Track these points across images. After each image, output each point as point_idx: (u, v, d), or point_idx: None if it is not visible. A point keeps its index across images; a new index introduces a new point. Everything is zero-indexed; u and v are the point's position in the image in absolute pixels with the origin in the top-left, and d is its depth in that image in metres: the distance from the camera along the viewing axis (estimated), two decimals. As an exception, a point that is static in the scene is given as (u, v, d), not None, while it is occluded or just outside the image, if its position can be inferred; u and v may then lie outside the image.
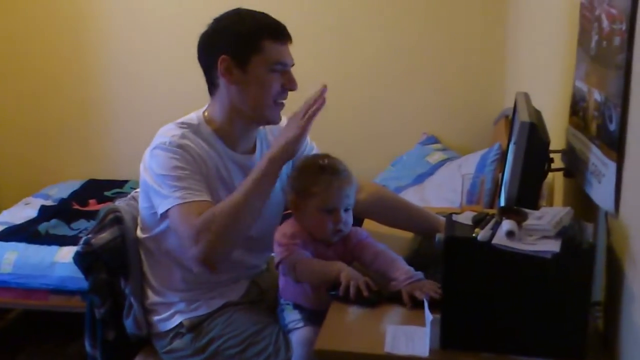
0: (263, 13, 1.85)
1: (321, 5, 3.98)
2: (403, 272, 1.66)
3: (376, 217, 2.07)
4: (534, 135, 1.53)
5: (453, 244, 1.36)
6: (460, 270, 1.37)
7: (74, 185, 4.08)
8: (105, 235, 1.91)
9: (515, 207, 1.44)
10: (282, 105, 1.88)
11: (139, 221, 1.96)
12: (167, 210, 1.74)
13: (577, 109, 1.70)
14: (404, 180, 3.52)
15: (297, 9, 3.90)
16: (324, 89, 1.76)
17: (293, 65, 1.86)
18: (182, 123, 1.86)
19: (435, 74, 4.00)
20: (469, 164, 3.22)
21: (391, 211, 2.04)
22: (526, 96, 1.89)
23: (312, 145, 2.09)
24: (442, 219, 1.95)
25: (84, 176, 4.24)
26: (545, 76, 2.36)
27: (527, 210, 1.42)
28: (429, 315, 1.41)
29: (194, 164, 1.78)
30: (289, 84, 1.84)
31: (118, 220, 1.95)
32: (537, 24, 2.74)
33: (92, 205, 3.72)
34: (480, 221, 1.43)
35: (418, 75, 4.02)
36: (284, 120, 1.90)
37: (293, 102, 1.87)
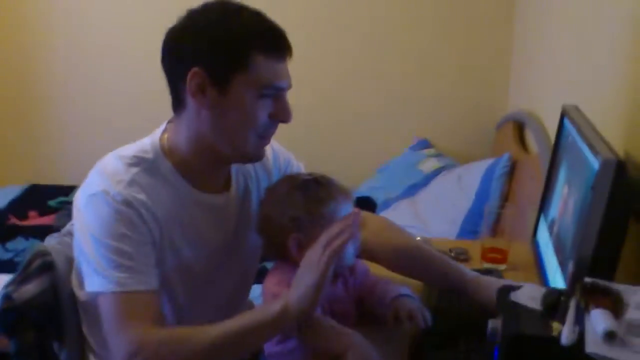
0: (256, 12, 1.35)
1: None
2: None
3: (384, 261, 1.62)
4: (621, 178, 1.12)
5: (523, 345, 0.95)
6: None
7: (12, 192, 3.59)
8: (30, 288, 1.50)
9: (601, 284, 1.04)
10: (268, 140, 1.44)
11: (74, 271, 1.51)
12: (97, 292, 1.33)
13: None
14: (392, 191, 3.21)
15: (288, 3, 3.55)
16: (355, 218, 1.29)
17: (289, 88, 1.38)
18: (133, 157, 1.40)
19: (429, 70, 3.66)
20: (471, 175, 2.86)
21: (404, 256, 1.61)
22: (580, 113, 1.48)
23: (300, 166, 1.67)
24: (467, 272, 1.54)
25: (24, 181, 3.81)
26: (592, 84, 1.91)
27: (616, 288, 1.03)
28: None
29: (143, 228, 1.35)
30: (281, 115, 1.38)
31: (48, 267, 1.53)
32: (565, 15, 2.34)
33: (33, 219, 3.25)
34: (553, 305, 1.02)
35: (409, 72, 3.67)
36: (269, 152, 1.54)
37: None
